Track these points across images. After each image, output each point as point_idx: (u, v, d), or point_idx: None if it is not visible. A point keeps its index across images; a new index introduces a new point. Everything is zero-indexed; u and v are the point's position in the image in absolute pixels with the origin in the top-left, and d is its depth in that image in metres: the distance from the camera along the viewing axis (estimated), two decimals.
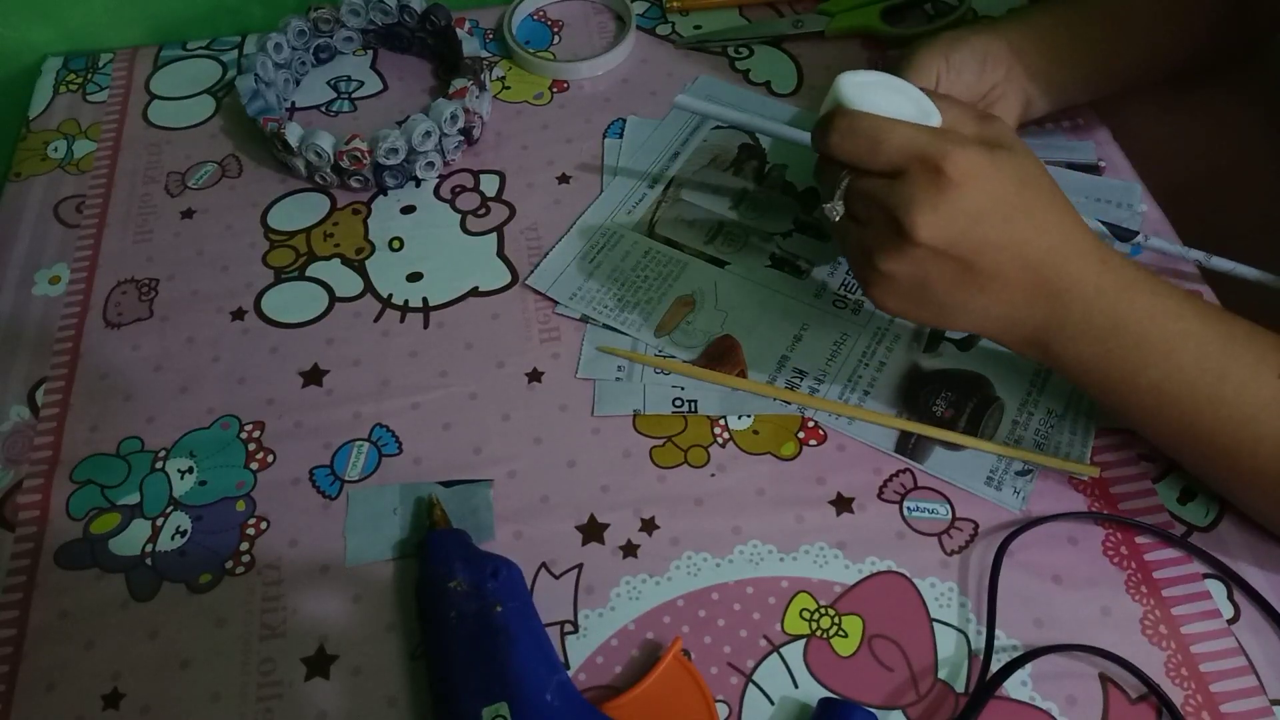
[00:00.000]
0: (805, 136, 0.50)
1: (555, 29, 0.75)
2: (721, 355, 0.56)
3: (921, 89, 0.45)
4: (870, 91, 0.44)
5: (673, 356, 0.56)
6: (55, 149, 0.69)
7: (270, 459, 0.53)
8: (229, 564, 0.50)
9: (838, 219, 0.46)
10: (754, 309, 0.58)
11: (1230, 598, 0.47)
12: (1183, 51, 0.61)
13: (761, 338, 0.56)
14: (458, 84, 0.65)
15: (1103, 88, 0.62)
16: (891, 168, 0.42)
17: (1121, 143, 0.65)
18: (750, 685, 0.45)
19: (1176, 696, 0.44)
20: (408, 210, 0.64)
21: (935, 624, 0.47)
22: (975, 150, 0.41)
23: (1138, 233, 0.55)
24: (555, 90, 0.71)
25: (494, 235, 0.63)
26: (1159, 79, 0.62)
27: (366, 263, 0.62)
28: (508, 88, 0.71)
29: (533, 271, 0.60)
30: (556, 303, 0.58)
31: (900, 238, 0.42)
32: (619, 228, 0.62)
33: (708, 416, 0.54)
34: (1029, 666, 0.45)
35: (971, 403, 0.53)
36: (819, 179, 0.49)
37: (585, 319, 0.58)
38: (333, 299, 0.60)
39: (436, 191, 0.65)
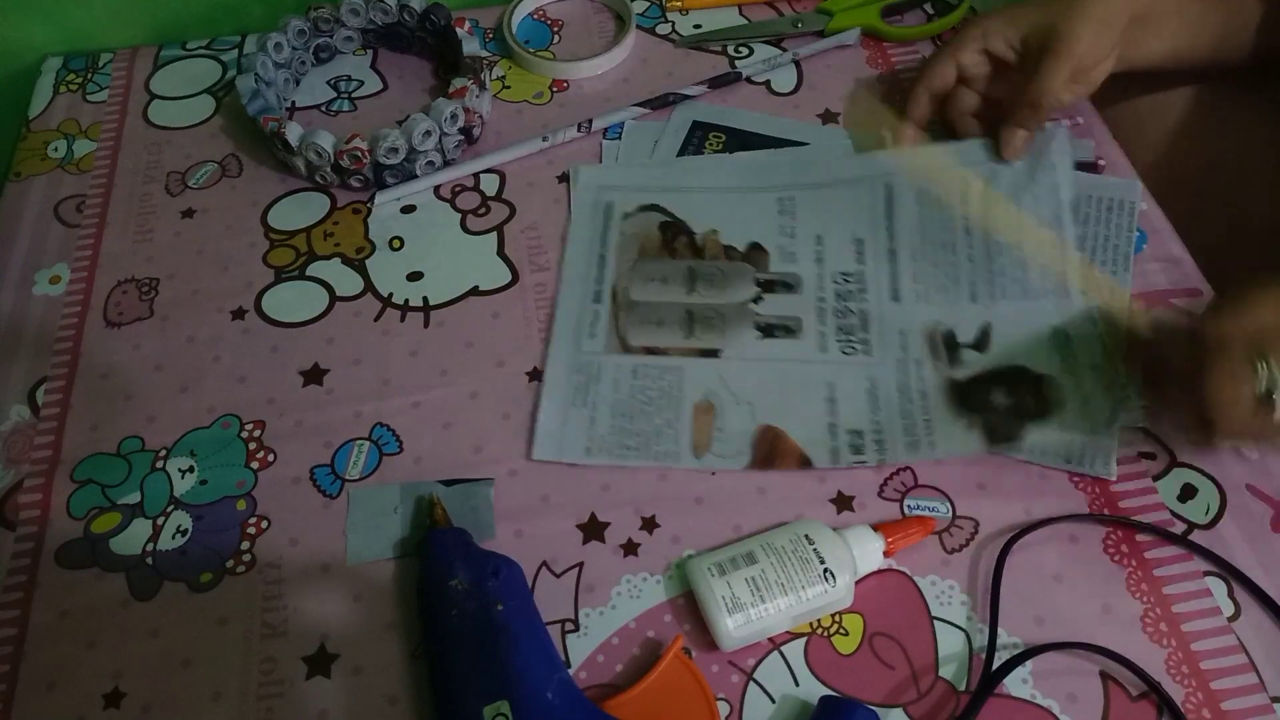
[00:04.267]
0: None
1: (555, 28, 0.75)
2: (773, 451, 0.52)
3: None
4: None
5: (720, 468, 0.51)
6: (55, 149, 0.69)
7: (271, 458, 0.53)
8: (230, 563, 0.50)
9: None
10: (773, 388, 0.54)
11: (1230, 595, 0.47)
12: (1239, 41, 0.61)
13: (798, 414, 0.53)
14: (458, 83, 0.65)
15: (1179, 65, 0.61)
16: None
17: (1121, 141, 0.65)
18: (751, 683, 0.45)
19: (1177, 694, 0.44)
20: (408, 210, 0.64)
21: (936, 622, 0.47)
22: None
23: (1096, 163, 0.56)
24: (555, 90, 0.71)
25: (494, 234, 0.63)
26: (1238, 66, 0.62)
27: (367, 262, 0.62)
28: (508, 87, 0.71)
29: (532, 444, 0.53)
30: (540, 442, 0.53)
31: None
32: (592, 357, 0.56)
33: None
34: (1029, 664, 0.45)
35: (1028, 387, 0.53)
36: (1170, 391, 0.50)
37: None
38: (333, 298, 0.60)
39: (437, 191, 0.65)
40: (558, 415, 0.54)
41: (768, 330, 0.56)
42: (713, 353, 0.56)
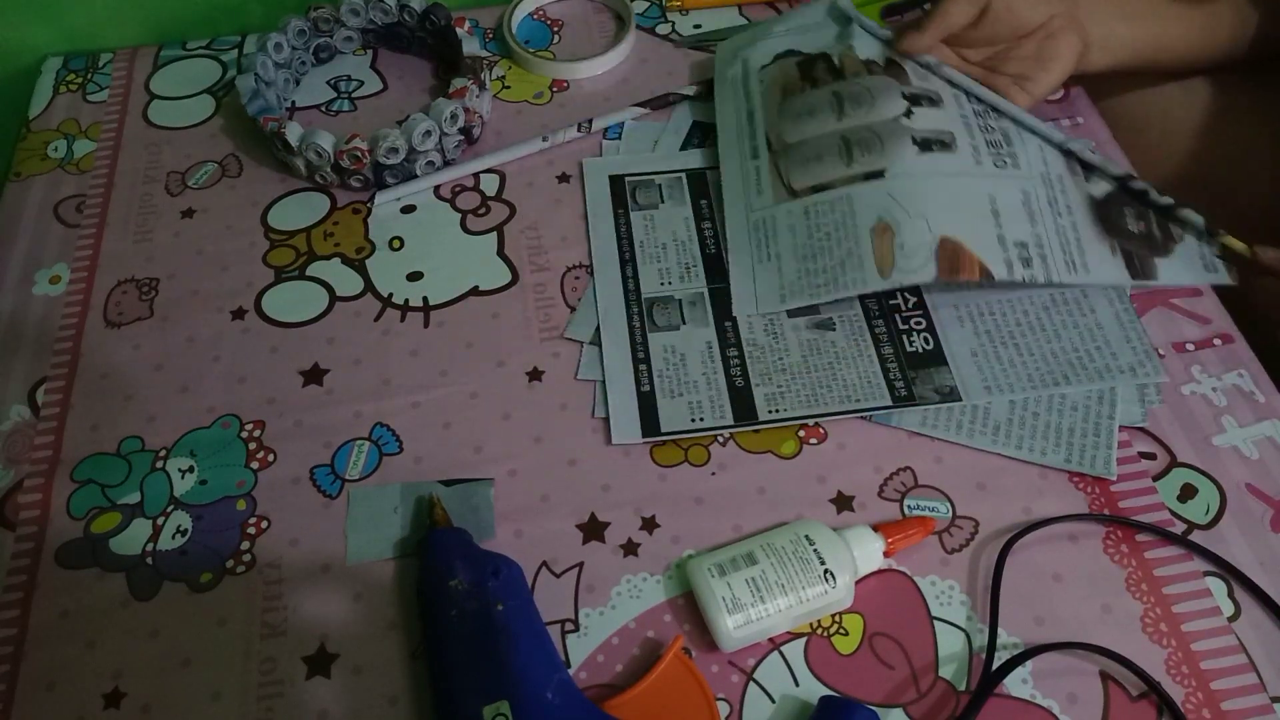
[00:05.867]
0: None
1: (555, 28, 0.75)
2: (955, 262, 0.52)
3: None
4: None
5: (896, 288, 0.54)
6: (55, 149, 0.69)
7: (271, 458, 0.53)
8: (230, 563, 0.50)
9: None
10: (942, 202, 0.54)
11: (1230, 595, 0.47)
12: (1251, 39, 0.61)
13: (969, 227, 0.53)
14: (458, 83, 0.65)
15: (1160, 57, 0.62)
16: None
17: (1121, 141, 0.65)
18: (751, 683, 0.45)
19: (1177, 694, 0.44)
20: (408, 210, 0.64)
21: (935, 622, 0.47)
22: None
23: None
24: (555, 90, 0.71)
25: (494, 234, 0.63)
26: (1228, 63, 0.63)
27: (367, 262, 0.62)
28: (508, 87, 0.71)
29: (733, 304, 0.57)
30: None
31: None
32: (763, 212, 0.58)
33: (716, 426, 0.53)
34: (1029, 664, 0.45)
35: (1151, 199, 0.54)
36: None
37: (807, 309, 0.55)
38: (333, 298, 0.60)
39: (437, 191, 0.65)
40: (747, 274, 0.57)
41: (925, 145, 0.56)
42: (878, 174, 0.56)
